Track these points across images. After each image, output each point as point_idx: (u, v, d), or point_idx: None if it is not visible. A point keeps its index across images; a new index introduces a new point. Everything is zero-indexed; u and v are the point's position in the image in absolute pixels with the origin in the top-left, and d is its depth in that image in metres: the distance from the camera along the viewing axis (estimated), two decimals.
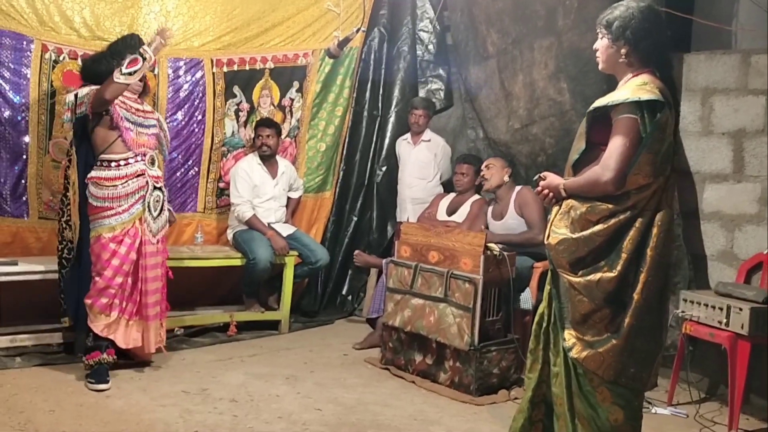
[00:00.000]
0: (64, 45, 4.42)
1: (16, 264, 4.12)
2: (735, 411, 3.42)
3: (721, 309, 3.47)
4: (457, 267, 3.87)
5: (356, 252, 5.17)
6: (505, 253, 3.89)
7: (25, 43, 4.32)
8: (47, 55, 4.39)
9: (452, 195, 4.98)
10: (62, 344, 4.12)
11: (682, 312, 3.66)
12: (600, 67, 2.64)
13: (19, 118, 4.35)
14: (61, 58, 4.42)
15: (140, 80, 3.80)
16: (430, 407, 3.65)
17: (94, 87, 3.68)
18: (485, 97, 5.14)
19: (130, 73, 3.59)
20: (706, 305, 3.55)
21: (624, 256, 2.43)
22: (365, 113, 5.60)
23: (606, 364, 2.46)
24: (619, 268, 2.43)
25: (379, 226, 5.65)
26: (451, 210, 4.86)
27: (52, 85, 4.42)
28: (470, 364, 3.78)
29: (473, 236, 3.90)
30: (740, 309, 3.39)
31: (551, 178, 2.61)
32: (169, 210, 4.01)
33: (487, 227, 4.52)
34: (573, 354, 2.50)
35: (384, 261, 4.60)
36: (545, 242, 2.60)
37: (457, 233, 3.98)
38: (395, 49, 5.64)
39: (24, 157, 4.38)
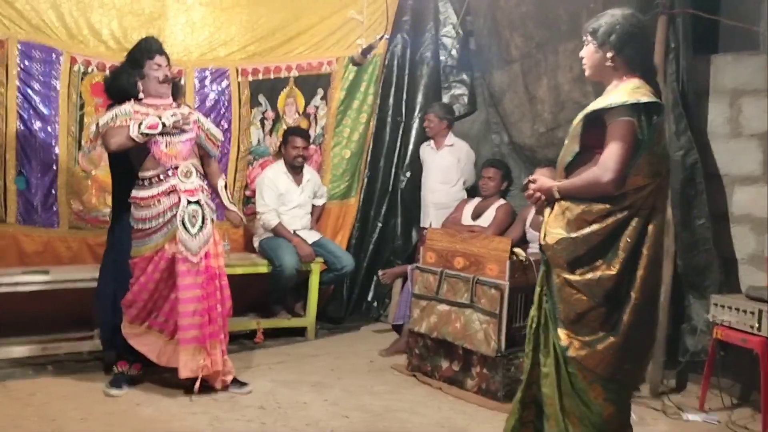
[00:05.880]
0: (92, 57, 4.50)
1: (48, 273, 4.19)
2: None
3: (752, 313, 3.42)
4: (483, 273, 3.86)
5: (380, 273, 5.13)
6: (531, 259, 3.86)
7: (54, 55, 4.41)
8: (76, 68, 4.47)
9: (477, 199, 4.96)
10: (94, 352, 4.18)
11: (713, 316, 3.61)
12: (587, 74, 2.73)
13: (49, 129, 4.43)
14: (89, 70, 4.50)
15: (164, 81, 3.65)
16: (458, 414, 3.64)
17: (116, 111, 3.60)
18: (509, 102, 5.12)
19: (146, 134, 3.53)
20: (738, 310, 3.50)
21: (622, 254, 2.48)
22: (389, 119, 5.61)
23: (605, 361, 2.51)
24: (617, 266, 2.48)
25: (404, 232, 5.64)
26: (476, 215, 4.84)
27: (80, 97, 4.51)
28: (497, 371, 3.77)
29: (499, 241, 3.89)
30: None
31: (542, 181, 2.66)
32: (233, 211, 3.96)
33: (525, 235, 4.49)
34: (570, 353, 2.53)
35: (409, 267, 4.60)
36: (541, 242, 2.63)
37: (483, 239, 3.97)
38: (418, 54, 5.64)
39: (54, 167, 4.46)
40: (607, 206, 2.48)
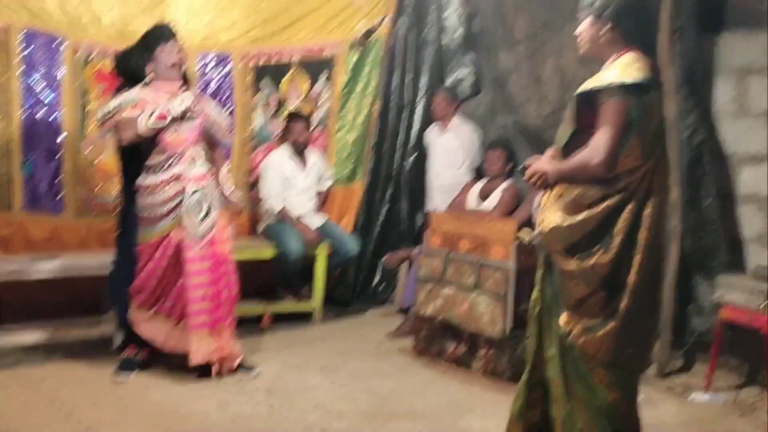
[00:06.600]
0: (94, 44, 4.49)
1: (55, 260, 4.20)
2: None
3: (759, 293, 3.41)
4: (488, 255, 3.86)
5: (385, 259, 5.14)
6: None
7: (56, 43, 4.39)
8: (78, 55, 4.46)
9: (483, 181, 4.95)
10: (103, 338, 4.20)
11: (720, 296, 3.60)
12: (583, 50, 2.61)
13: (53, 116, 4.43)
14: (91, 57, 4.49)
15: (174, 65, 3.66)
16: (465, 395, 3.66)
17: (121, 99, 3.61)
18: (514, 83, 5.09)
19: (153, 127, 3.54)
20: (744, 289, 3.49)
21: (618, 238, 2.43)
22: (393, 102, 5.59)
23: (605, 347, 2.47)
24: (614, 250, 2.43)
25: (410, 216, 5.64)
26: (482, 197, 4.83)
27: (83, 84, 4.50)
28: (503, 352, 3.78)
29: (504, 224, 3.89)
30: None
31: (539, 164, 2.59)
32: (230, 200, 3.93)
33: (530, 218, 4.47)
34: (571, 339, 2.51)
35: (415, 250, 4.60)
36: (538, 229, 2.59)
37: (488, 221, 3.97)
38: (422, 36, 5.60)
39: (59, 155, 4.46)
40: (602, 190, 2.42)
